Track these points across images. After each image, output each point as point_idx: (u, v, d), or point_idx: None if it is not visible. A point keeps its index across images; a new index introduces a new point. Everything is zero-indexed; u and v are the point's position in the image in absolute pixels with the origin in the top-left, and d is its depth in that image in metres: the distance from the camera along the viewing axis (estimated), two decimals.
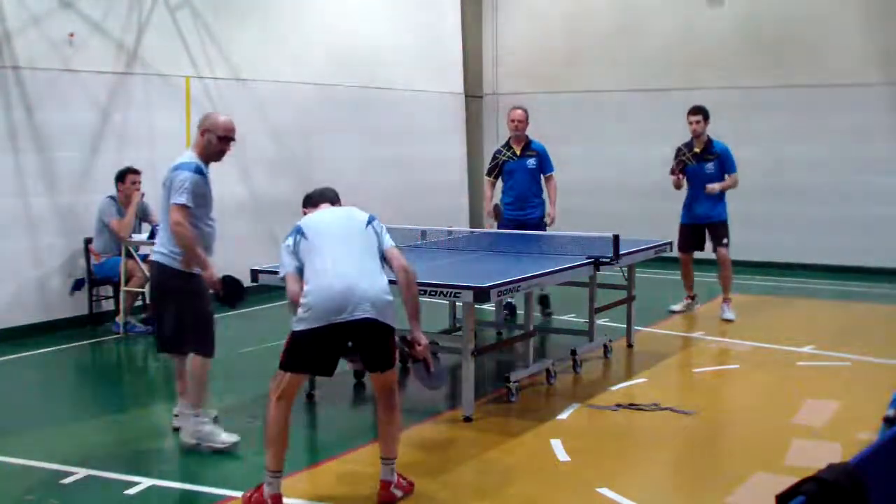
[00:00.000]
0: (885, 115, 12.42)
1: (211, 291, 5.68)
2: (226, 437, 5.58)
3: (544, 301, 9.61)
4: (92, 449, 5.69)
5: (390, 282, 4.87)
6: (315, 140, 11.82)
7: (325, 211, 5.17)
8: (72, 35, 9.09)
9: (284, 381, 4.70)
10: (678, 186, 9.61)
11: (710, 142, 9.57)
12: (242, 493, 4.87)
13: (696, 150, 9.56)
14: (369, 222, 5.01)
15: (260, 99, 11.10)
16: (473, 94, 15.01)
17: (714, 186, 9.46)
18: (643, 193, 12.49)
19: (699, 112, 9.53)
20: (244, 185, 11.02)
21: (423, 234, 8.58)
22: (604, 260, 7.23)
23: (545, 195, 9.52)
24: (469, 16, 14.86)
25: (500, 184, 9.62)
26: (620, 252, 7.30)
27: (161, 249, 5.63)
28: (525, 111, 9.43)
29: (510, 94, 14.79)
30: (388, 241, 5.01)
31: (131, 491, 4.99)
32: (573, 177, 13.25)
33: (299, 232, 4.91)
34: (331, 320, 4.61)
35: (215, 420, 5.72)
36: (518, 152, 9.40)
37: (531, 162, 9.38)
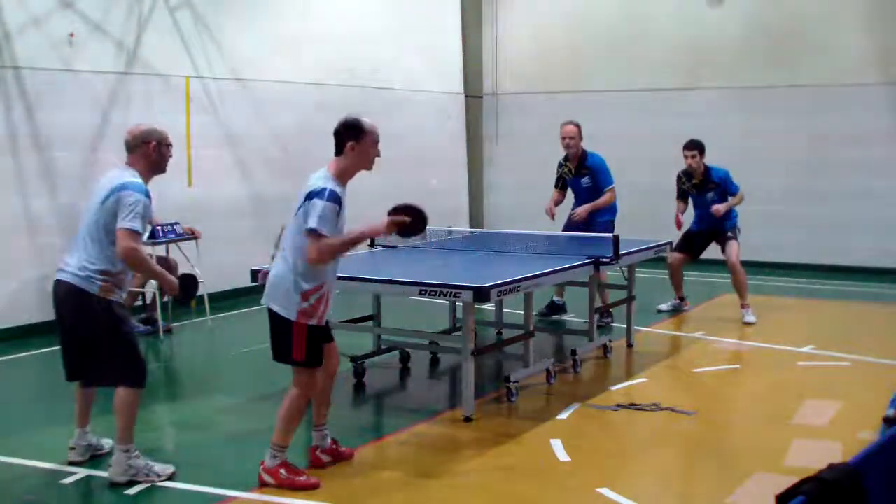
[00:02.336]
0: (885, 115, 12.41)
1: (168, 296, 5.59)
2: (160, 469, 5.14)
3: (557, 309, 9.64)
4: None
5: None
6: (315, 140, 11.75)
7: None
8: (72, 35, 9.08)
9: None
10: (680, 225, 9.59)
11: (708, 170, 9.45)
12: (246, 491, 4.88)
13: (696, 181, 9.49)
14: (306, 199, 5.01)
15: (260, 99, 11.10)
16: (473, 94, 15.01)
17: (719, 208, 9.32)
18: (643, 193, 12.47)
19: (695, 147, 9.37)
20: (244, 185, 11.02)
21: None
22: (604, 260, 7.23)
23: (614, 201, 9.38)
24: (469, 16, 14.86)
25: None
26: (620, 252, 7.30)
27: (76, 271, 5.01)
28: (577, 126, 9.23)
29: (510, 94, 14.81)
30: (310, 222, 4.93)
31: (131, 491, 4.99)
32: None
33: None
34: None
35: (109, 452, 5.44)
36: (573, 169, 9.33)
37: (585, 180, 9.28)
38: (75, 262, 5.06)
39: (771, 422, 6.24)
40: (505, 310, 8.68)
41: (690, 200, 9.70)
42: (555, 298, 9.69)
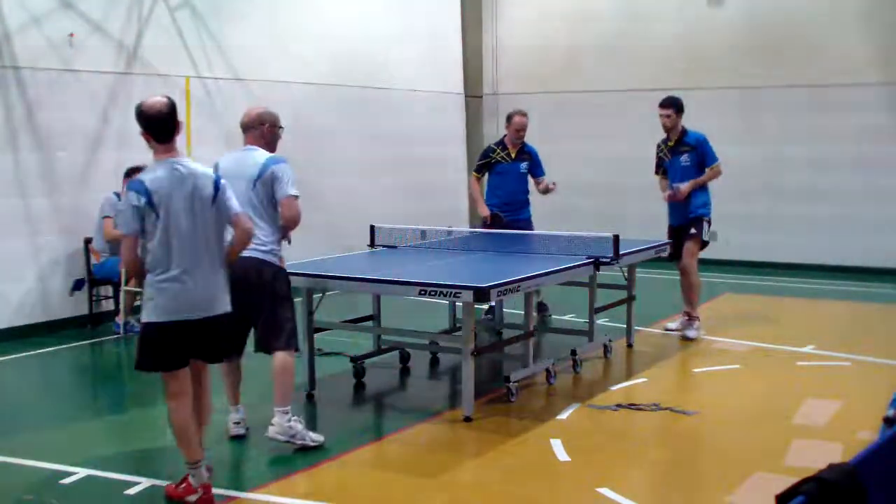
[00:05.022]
0: (885, 115, 12.41)
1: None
2: (315, 437, 5.62)
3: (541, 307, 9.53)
4: (92, 449, 5.70)
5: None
6: (315, 140, 11.81)
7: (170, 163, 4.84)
8: (72, 35, 9.08)
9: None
10: (671, 197, 8.75)
11: (684, 132, 8.75)
12: (246, 491, 4.88)
13: (671, 143, 8.81)
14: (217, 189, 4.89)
15: (260, 99, 11.06)
16: (473, 94, 15.01)
17: (682, 188, 8.54)
18: (643, 193, 12.48)
19: (670, 105, 8.71)
20: None
21: (423, 234, 8.58)
22: (604, 260, 7.23)
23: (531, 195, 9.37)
24: (469, 16, 14.86)
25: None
26: (620, 252, 7.30)
27: (256, 247, 5.41)
28: (528, 117, 9.22)
29: (510, 94, 14.80)
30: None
31: (131, 491, 4.99)
32: (573, 176, 13.25)
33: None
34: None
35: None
36: (513, 155, 9.21)
37: (524, 166, 9.23)
38: (257, 239, 5.38)
39: (771, 422, 6.24)
40: (505, 310, 8.69)
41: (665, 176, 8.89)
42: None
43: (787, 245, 12.90)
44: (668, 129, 8.80)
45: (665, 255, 8.76)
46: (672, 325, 9.03)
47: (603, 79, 14.02)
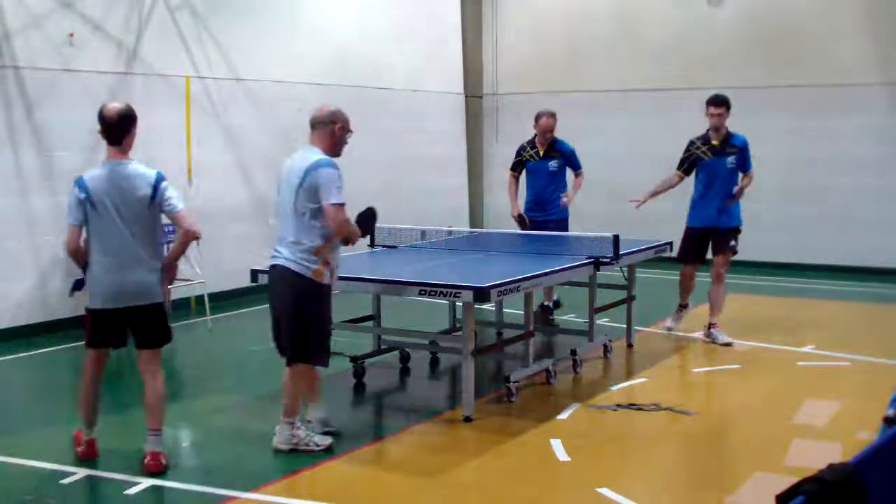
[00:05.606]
0: (885, 115, 12.42)
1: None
2: (319, 440, 5.57)
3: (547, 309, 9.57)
4: None
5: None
6: None
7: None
8: (72, 35, 9.09)
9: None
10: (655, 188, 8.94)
11: (729, 134, 8.58)
12: (247, 492, 4.89)
13: (715, 142, 8.55)
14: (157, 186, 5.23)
15: (260, 99, 11.10)
16: (473, 94, 15.01)
17: (737, 193, 8.42)
18: (643, 193, 12.49)
19: (723, 104, 8.52)
20: (244, 185, 11.01)
21: (423, 234, 8.58)
22: (604, 260, 7.23)
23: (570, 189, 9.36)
24: (469, 16, 14.86)
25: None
26: (620, 252, 7.31)
27: (290, 256, 5.38)
28: (555, 118, 9.21)
29: (510, 94, 14.81)
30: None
31: (131, 491, 4.99)
32: (573, 176, 13.27)
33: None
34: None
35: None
36: (541, 153, 9.24)
37: (553, 164, 9.21)
38: (288, 249, 5.41)
39: (771, 422, 6.24)
40: (505, 310, 8.68)
41: (696, 172, 8.65)
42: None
43: (788, 245, 12.90)
44: (717, 129, 8.61)
45: (665, 255, 8.77)
46: (672, 325, 9.05)
47: (603, 79, 14.03)
